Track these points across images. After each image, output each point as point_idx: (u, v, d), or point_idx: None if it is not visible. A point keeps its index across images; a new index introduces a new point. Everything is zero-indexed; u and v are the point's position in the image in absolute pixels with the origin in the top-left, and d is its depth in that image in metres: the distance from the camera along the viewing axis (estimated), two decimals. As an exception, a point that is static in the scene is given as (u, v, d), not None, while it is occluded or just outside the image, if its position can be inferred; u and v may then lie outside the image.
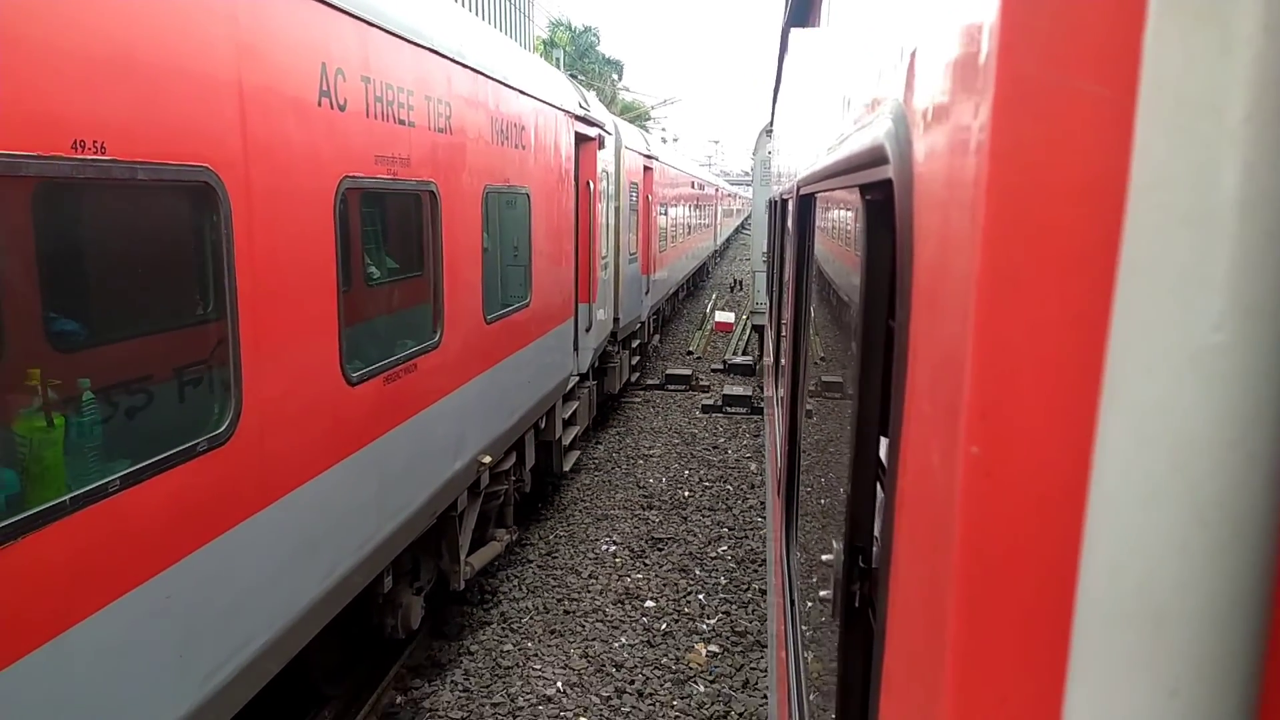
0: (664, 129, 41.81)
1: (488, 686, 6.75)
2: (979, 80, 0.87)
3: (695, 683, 6.77)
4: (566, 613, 7.87)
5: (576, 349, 11.12)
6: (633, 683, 6.76)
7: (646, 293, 17.39)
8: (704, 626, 7.61)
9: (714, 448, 12.63)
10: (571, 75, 16.00)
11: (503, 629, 7.60)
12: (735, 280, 32.90)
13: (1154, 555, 0.66)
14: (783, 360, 6.14)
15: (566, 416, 11.12)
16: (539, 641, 7.36)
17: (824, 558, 2.51)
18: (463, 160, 6.42)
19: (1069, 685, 0.72)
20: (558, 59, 26.39)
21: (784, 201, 7.00)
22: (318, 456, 4.54)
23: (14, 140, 2.62)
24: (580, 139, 10.57)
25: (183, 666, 3.52)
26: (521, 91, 7.93)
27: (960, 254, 0.92)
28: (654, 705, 6.48)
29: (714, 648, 7.27)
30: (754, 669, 6.95)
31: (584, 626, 7.62)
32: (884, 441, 1.82)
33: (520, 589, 8.36)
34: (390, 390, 5.36)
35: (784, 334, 6.24)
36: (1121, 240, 0.69)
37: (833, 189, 2.71)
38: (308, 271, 4.37)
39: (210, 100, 3.54)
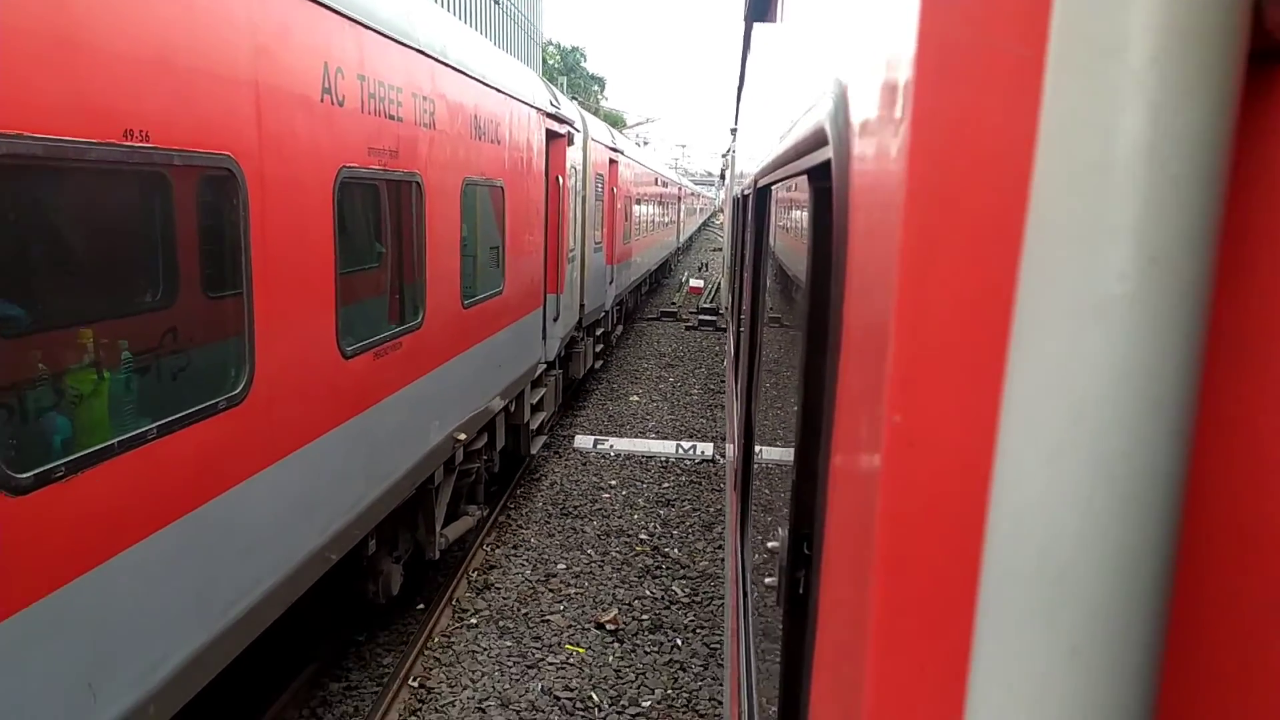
0: (638, 135, 44.85)
1: (609, 395, 16.37)
2: (903, 48, 0.88)
3: (693, 395, 16.54)
4: (634, 380, 17.54)
5: (545, 337, 11.59)
6: (668, 393, 16.64)
7: (611, 282, 17.91)
8: (695, 387, 17.24)
9: (692, 341, 22.75)
10: (572, 97, 17.94)
11: (608, 385, 17.07)
12: (703, 263, 44.14)
13: (1057, 511, 0.65)
14: (741, 351, 6.28)
15: (534, 402, 11.59)
16: (628, 386, 17.02)
17: (770, 545, 2.59)
18: (444, 153, 6.86)
19: (975, 648, 0.71)
20: (562, 83, 28.74)
21: (745, 197, 7.44)
22: (316, 421, 4.97)
23: (82, 128, 3.05)
24: (551, 135, 11.03)
25: (202, 601, 3.96)
26: (498, 89, 8.38)
27: (886, 223, 0.93)
28: (679, 396, 16.50)
29: (699, 390, 17.03)
30: (716, 399, 16.18)
31: (644, 382, 17.45)
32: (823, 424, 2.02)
33: (610, 374, 18.07)
34: (379, 365, 5.80)
35: (742, 327, 6.45)
36: (1030, 193, 0.68)
37: (784, 177, 2.80)
38: (310, 252, 4.80)
39: (233, 96, 3.97)
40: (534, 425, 11.52)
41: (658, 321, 25.63)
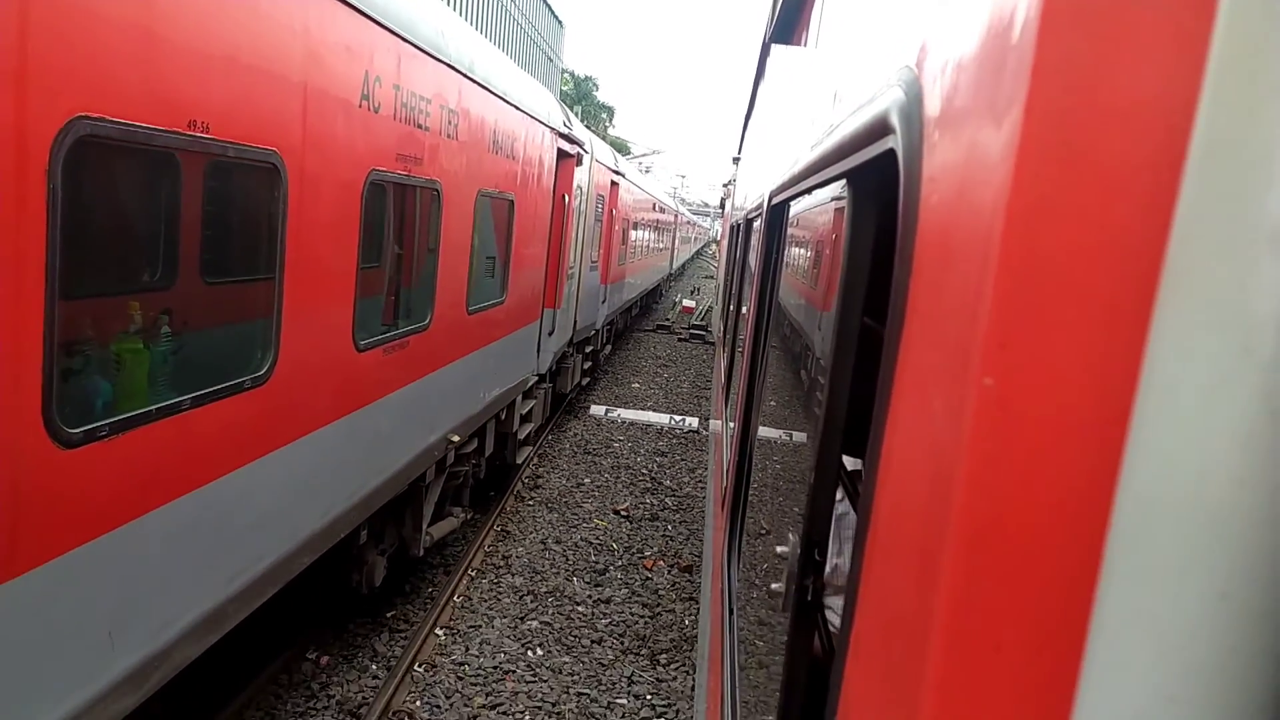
0: (641, 164, 46.52)
1: (615, 383, 19.82)
2: (1019, 13, 0.85)
3: (683, 387, 20.06)
4: (635, 374, 21.16)
5: (539, 350, 11.84)
6: (663, 384, 20.27)
7: (603, 301, 18.21)
8: (685, 381, 20.77)
9: (684, 349, 26.38)
10: (585, 124, 18.10)
11: (611, 376, 20.45)
12: (695, 288, 49.26)
13: (1213, 448, 0.62)
14: (736, 377, 6.35)
15: (524, 413, 11.81)
16: (630, 377, 20.50)
17: (779, 549, 2.59)
18: (463, 164, 7.14)
19: (1099, 595, 0.68)
20: (578, 111, 30.19)
21: (748, 222, 7.47)
22: (328, 409, 5.20)
23: (155, 116, 3.31)
24: (561, 155, 11.34)
25: (214, 567, 4.17)
26: (516, 107, 8.69)
27: (983, 186, 0.90)
28: (672, 386, 20.22)
29: (688, 384, 20.36)
30: (701, 391, 19.52)
31: (644, 375, 21.08)
32: (846, 436, 1.98)
33: (616, 369, 21.47)
34: (387, 361, 6.04)
35: (740, 350, 6.48)
36: (1194, 125, 0.65)
37: (814, 185, 2.78)
38: (336, 247, 5.05)
39: (283, 97, 4.24)
40: (521, 435, 11.73)
41: (654, 333, 29.77)
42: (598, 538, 10.41)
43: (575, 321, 14.84)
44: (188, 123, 3.53)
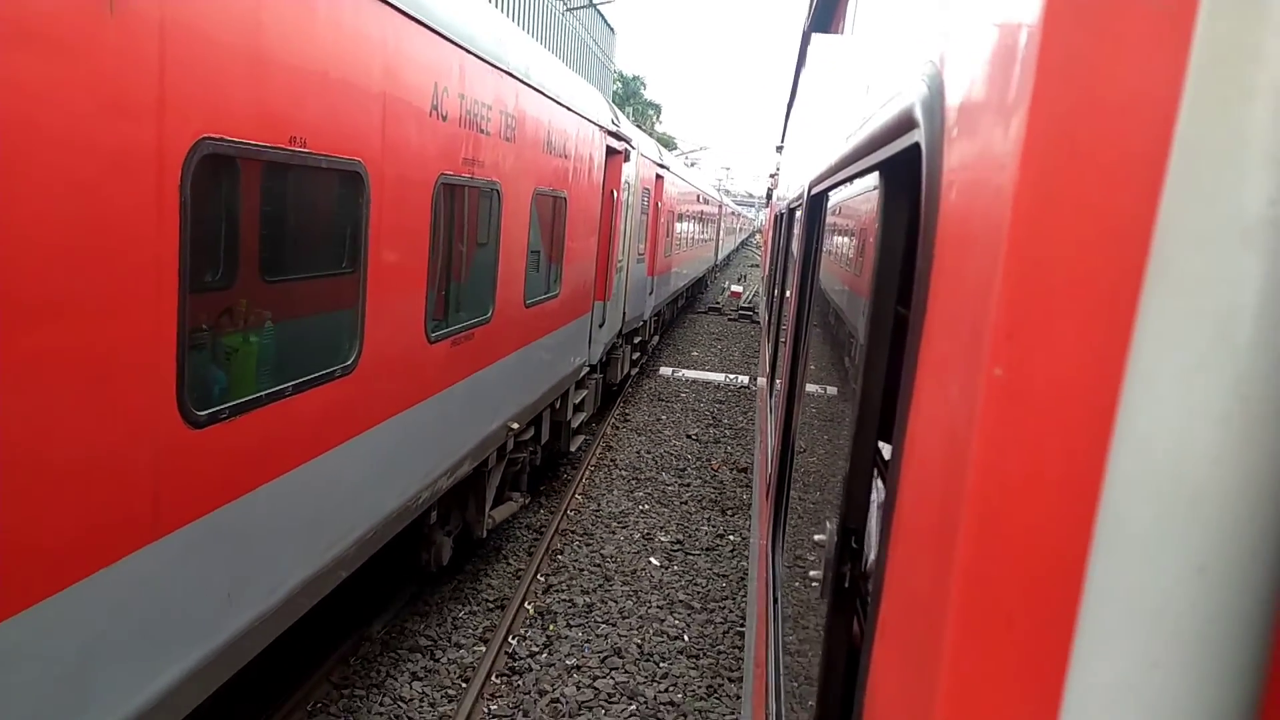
0: (687, 158, 47.54)
1: (676, 352, 24.31)
2: (1027, 9, 0.89)
3: (734, 355, 24.62)
4: (693, 345, 25.93)
5: (590, 341, 12.23)
6: (718, 353, 25.06)
7: (650, 293, 18.57)
8: (736, 351, 25.34)
9: (734, 328, 30.77)
10: (637, 125, 18.89)
11: (673, 348, 24.81)
12: (742, 275, 53.78)
13: (1192, 429, 0.65)
14: (780, 364, 6.49)
15: (577, 402, 12.22)
16: (689, 348, 25.36)
17: (817, 538, 2.66)
18: (520, 165, 7.53)
19: (1089, 570, 0.71)
20: (629, 111, 31.86)
21: (791, 211, 7.70)
22: (404, 396, 5.63)
23: (262, 133, 3.73)
24: (610, 151, 11.70)
25: (313, 536, 4.61)
26: (568, 108, 9.06)
27: (994, 181, 0.93)
28: (725, 354, 24.82)
29: (738, 354, 24.83)
30: (750, 359, 23.68)
31: (701, 346, 26.09)
32: (885, 425, 1.95)
33: (674, 340, 26.27)
34: (455, 352, 6.46)
35: (783, 340, 6.63)
36: (1176, 123, 0.68)
37: (849, 176, 2.84)
38: (410, 248, 5.47)
39: (365, 110, 4.65)
40: (574, 424, 12.15)
41: (706, 314, 34.82)
42: (677, 451, 14.57)
43: (624, 313, 15.23)
44: (289, 139, 3.95)
